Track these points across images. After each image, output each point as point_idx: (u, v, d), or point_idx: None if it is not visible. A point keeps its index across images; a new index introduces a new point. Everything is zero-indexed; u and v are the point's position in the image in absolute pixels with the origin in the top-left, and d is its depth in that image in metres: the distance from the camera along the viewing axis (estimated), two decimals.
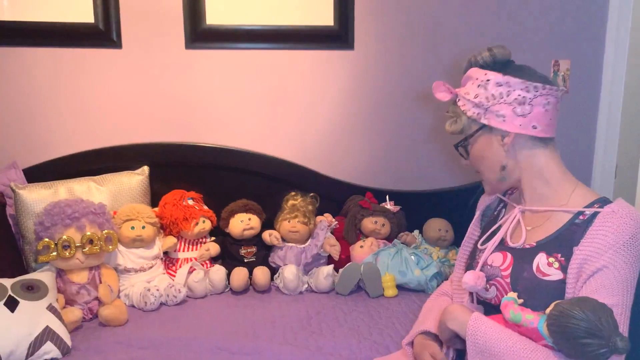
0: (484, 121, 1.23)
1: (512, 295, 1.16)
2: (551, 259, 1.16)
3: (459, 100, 1.29)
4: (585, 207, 1.18)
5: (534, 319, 1.08)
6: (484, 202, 1.46)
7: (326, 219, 2.14)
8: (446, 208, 2.26)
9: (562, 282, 1.14)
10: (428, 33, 2.27)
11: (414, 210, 2.26)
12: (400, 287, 1.98)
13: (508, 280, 1.21)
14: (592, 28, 2.35)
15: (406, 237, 2.18)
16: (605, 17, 2.34)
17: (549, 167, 1.24)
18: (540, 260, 1.18)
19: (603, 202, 1.19)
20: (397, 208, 2.23)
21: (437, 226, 2.20)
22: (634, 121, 2.42)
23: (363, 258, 2.04)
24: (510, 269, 1.21)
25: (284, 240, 2.08)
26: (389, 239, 2.17)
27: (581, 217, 1.18)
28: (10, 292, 1.54)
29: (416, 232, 2.25)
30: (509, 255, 1.24)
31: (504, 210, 1.40)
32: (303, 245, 2.08)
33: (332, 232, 2.13)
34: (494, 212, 1.43)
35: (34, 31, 2.09)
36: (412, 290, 1.99)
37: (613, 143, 2.43)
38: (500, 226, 1.33)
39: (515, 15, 2.29)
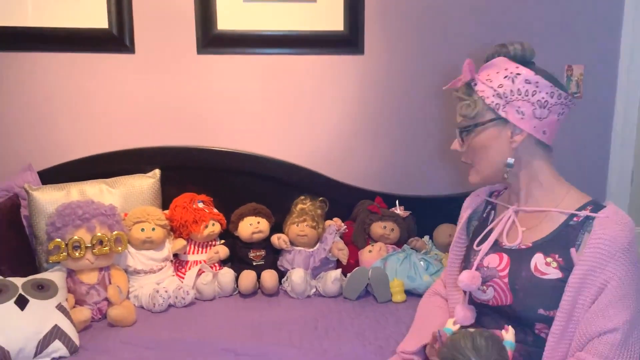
0: (501, 113, 1.20)
1: (450, 325, 1.21)
2: (549, 259, 1.18)
3: (476, 84, 1.25)
4: (578, 209, 1.20)
5: None
6: (469, 205, 1.45)
7: (335, 224, 2.14)
8: (457, 214, 2.22)
9: (560, 281, 1.15)
10: (438, 37, 2.26)
11: (424, 215, 2.25)
12: (408, 293, 1.97)
13: (506, 280, 1.21)
14: (606, 32, 2.32)
15: (416, 242, 2.17)
16: (620, 21, 2.31)
17: (544, 171, 1.25)
18: (538, 260, 1.19)
19: (595, 204, 1.20)
20: (407, 213, 2.22)
21: (447, 232, 2.18)
22: None
23: (371, 263, 2.04)
24: (508, 269, 1.21)
25: (292, 244, 2.09)
26: (399, 244, 2.16)
27: (575, 219, 1.19)
28: (21, 291, 1.56)
29: (426, 237, 2.24)
30: (505, 257, 1.24)
31: (493, 212, 1.39)
32: (311, 249, 2.08)
33: (340, 237, 2.13)
34: (482, 214, 1.42)
35: (50, 37, 2.13)
36: (421, 296, 1.95)
37: (629, 148, 2.39)
38: (493, 228, 1.32)
39: (527, 19, 2.27)
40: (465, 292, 1.31)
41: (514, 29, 2.26)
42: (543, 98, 1.19)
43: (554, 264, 1.17)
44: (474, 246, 1.33)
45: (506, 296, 1.21)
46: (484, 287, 1.24)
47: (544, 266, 1.17)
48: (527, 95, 1.19)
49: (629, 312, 1.09)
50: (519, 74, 1.19)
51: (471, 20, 2.26)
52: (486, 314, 1.27)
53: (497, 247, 1.28)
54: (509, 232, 1.28)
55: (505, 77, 1.20)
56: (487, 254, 1.28)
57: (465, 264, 1.36)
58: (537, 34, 2.27)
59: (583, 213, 1.19)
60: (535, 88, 1.19)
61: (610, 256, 1.11)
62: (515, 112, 1.19)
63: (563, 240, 1.18)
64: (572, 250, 1.16)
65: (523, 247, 1.23)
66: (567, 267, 1.15)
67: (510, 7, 2.26)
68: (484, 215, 1.41)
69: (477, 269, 1.27)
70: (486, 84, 1.22)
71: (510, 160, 1.23)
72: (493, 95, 1.21)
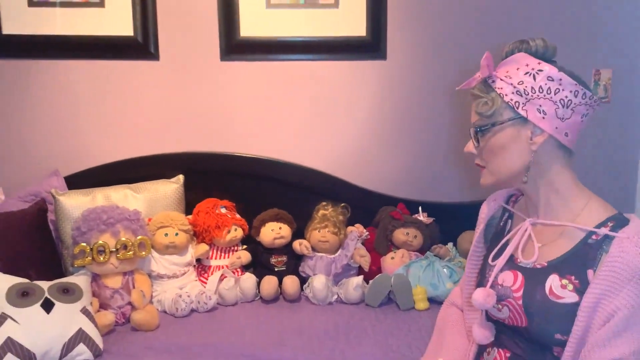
0: (521, 111, 1.11)
1: None
2: (564, 281, 1.09)
3: (493, 81, 1.15)
4: (598, 225, 1.10)
5: None
6: (486, 211, 1.35)
7: (357, 230, 2.13)
8: None
9: (576, 305, 1.06)
10: (461, 42, 2.24)
11: (447, 222, 2.22)
12: (431, 300, 1.94)
13: (520, 302, 1.14)
14: (635, 35, 2.27)
15: (439, 249, 2.14)
16: None
17: (564, 178, 1.15)
18: (553, 282, 1.10)
19: (617, 220, 1.09)
20: (430, 220, 2.20)
21: (471, 239, 2.13)
22: None
23: (394, 270, 2.02)
24: (522, 290, 1.14)
25: (314, 250, 2.08)
26: (422, 251, 2.14)
27: (594, 237, 1.09)
28: (47, 294, 1.59)
29: (450, 244, 2.21)
30: (520, 275, 1.16)
31: (510, 221, 1.30)
32: (333, 256, 2.07)
33: (362, 243, 2.11)
34: (499, 222, 1.33)
35: (77, 44, 2.18)
36: None
37: None
38: (508, 240, 1.24)
39: (553, 22, 2.24)
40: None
41: (539, 33, 2.21)
42: (566, 97, 1.09)
43: (570, 287, 1.08)
44: (489, 261, 1.25)
45: (521, 318, 1.14)
46: (499, 305, 1.18)
47: (559, 289, 1.09)
48: (549, 93, 1.09)
49: (637, 343, 1.01)
50: (541, 70, 1.10)
51: (495, 25, 2.23)
52: (503, 332, 1.21)
53: (512, 263, 1.19)
54: (525, 246, 1.19)
55: (527, 73, 1.11)
56: (501, 270, 1.20)
57: (481, 278, 1.29)
58: (563, 37, 2.24)
59: (602, 231, 1.08)
60: (558, 86, 1.09)
61: (626, 282, 1.01)
62: (536, 110, 1.10)
63: (580, 261, 1.09)
64: (590, 272, 1.07)
65: (538, 266, 1.14)
66: (583, 290, 1.06)
67: (536, 10, 2.23)
68: (501, 224, 1.33)
69: (492, 286, 1.19)
70: (505, 81, 1.13)
71: (527, 163, 1.13)
72: (512, 93, 1.11)
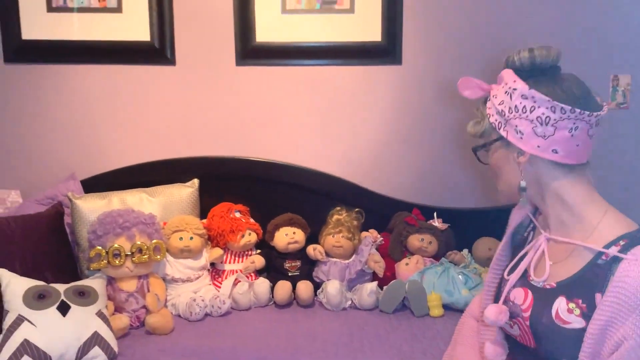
0: (502, 132, 1.09)
1: None
2: (571, 305, 1.03)
3: (488, 100, 1.14)
4: (609, 243, 1.02)
5: None
6: (515, 218, 1.29)
7: (371, 235, 2.12)
8: (497, 227, 2.16)
9: (584, 331, 1.00)
10: (477, 48, 2.23)
11: (463, 228, 2.21)
12: (446, 307, 1.93)
13: (528, 323, 1.09)
14: None
15: (454, 255, 2.12)
16: None
17: (573, 193, 1.08)
18: (560, 305, 1.04)
19: (631, 238, 1.00)
20: (445, 226, 2.18)
21: (487, 245, 2.13)
22: None
23: (408, 276, 2.01)
24: (530, 311, 1.09)
25: (328, 255, 2.07)
26: (437, 257, 2.12)
27: (603, 258, 1.02)
28: (63, 297, 1.60)
29: (465, 251, 2.19)
30: (530, 294, 1.11)
31: (532, 233, 1.24)
32: (347, 261, 2.06)
33: (377, 249, 2.10)
34: (524, 232, 1.28)
35: (95, 49, 2.21)
36: (459, 311, 1.91)
37: None
38: (526, 254, 1.18)
39: (570, 26, 2.21)
40: None
41: (556, 37, 2.20)
42: (543, 114, 1.04)
43: (577, 311, 1.02)
44: (505, 274, 1.20)
45: (530, 339, 1.10)
46: (511, 322, 1.13)
47: (565, 313, 1.03)
48: (525, 112, 1.05)
49: None
50: (515, 88, 1.07)
51: (511, 30, 2.21)
52: (517, 350, 1.17)
53: (524, 279, 1.15)
54: (538, 263, 1.14)
55: (506, 92, 1.08)
56: (515, 285, 1.15)
57: (497, 291, 1.25)
58: (581, 42, 2.21)
59: (612, 251, 1.00)
60: (533, 103, 1.05)
61: (632, 309, 0.93)
62: (514, 131, 1.07)
63: (589, 283, 1.02)
64: (598, 295, 0.99)
65: (547, 286, 1.08)
66: (590, 315, 1.00)
67: (553, 15, 2.21)
68: (524, 235, 1.26)
69: (505, 302, 1.15)
70: (492, 100, 1.11)
71: (523, 184, 1.09)
72: (496, 113, 1.10)
